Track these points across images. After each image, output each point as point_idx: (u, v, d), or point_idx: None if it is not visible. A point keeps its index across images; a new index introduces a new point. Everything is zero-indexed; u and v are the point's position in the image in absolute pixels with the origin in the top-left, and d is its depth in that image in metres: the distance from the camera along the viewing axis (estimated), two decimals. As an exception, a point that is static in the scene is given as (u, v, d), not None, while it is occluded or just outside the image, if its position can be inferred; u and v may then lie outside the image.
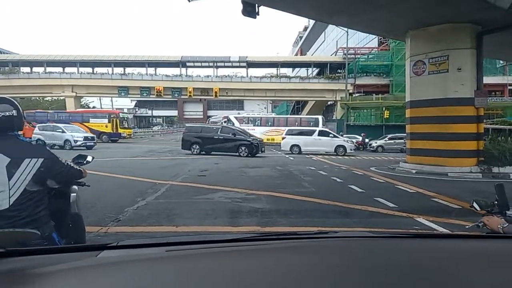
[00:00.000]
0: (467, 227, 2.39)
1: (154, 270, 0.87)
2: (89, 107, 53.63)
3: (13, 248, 1.05)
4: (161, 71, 42.58)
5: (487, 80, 29.02)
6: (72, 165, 2.48)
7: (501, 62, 27.28)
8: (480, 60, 13.03)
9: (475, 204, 2.06)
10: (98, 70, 42.33)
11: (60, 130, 22.57)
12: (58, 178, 2.35)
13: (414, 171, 13.05)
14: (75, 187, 2.75)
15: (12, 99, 2.24)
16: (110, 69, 41.80)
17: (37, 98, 52.71)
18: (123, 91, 41.08)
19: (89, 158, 2.87)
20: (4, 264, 0.94)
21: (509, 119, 26.24)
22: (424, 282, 0.88)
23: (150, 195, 7.78)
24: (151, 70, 42.26)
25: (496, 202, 1.97)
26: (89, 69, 42.44)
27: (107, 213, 5.95)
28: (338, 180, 11.02)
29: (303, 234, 1.33)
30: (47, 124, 25.46)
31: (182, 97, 44.16)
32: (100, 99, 55.37)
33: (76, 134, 22.66)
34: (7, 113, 2.11)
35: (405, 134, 15.94)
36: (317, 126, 31.59)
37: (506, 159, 12.51)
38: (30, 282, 0.86)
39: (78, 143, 21.71)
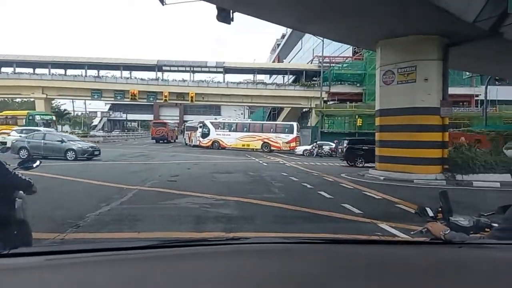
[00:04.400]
0: (412, 233, 2.45)
1: (30, 280, 0.84)
2: (60, 110, 52.18)
3: None
4: (136, 74, 42.04)
5: (454, 90, 30.26)
6: (19, 174, 2.42)
7: (467, 73, 28.40)
8: (446, 71, 13.51)
9: (420, 210, 2.11)
10: (71, 72, 41.28)
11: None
12: (1, 185, 2.28)
13: (382, 178, 13.35)
14: (21, 192, 2.66)
15: None
16: (83, 71, 40.84)
17: (6, 99, 50.87)
18: (97, 94, 40.16)
19: (37, 163, 2.79)
20: None
21: (475, 128, 27.29)
22: None
23: (115, 200, 7.60)
24: (126, 73, 41.61)
25: (440, 209, 2.02)
26: (61, 71, 41.33)
27: (67, 219, 5.77)
28: (308, 186, 11.12)
29: (212, 240, 1.31)
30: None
31: (158, 101, 43.60)
32: (72, 102, 53.99)
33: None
34: None
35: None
36: (292, 132, 31.93)
37: (469, 167, 12.98)
38: None
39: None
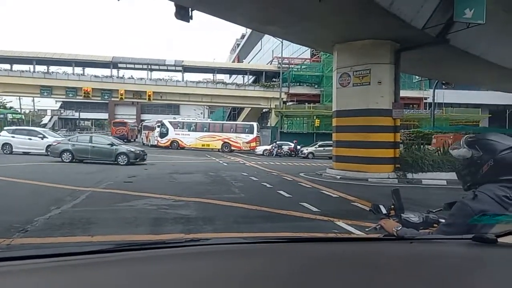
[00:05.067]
0: (367, 229, 2.54)
1: None
2: (5, 107, 48.84)
3: None
4: (90, 71, 40.32)
5: (405, 93, 31.92)
6: None
7: (417, 77, 30.00)
8: (397, 74, 14.18)
9: (374, 208, 2.19)
10: (17, 67, 38.78)
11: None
12: None
13: (338, 177, 13.76)
14: None
15: None
16: (31, 66, 38.52)
17: None
18: (46, 90, 38.03)
19: None
20: None
21: (423, 129, 28.88)
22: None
23: (67, 203, 7.24)
24: (78, 70, 39.75)
25: (393, 206, 2.11)
26: (7, 66, 38.70)
27: (14, 223, 5.41)
28: (268, 185, 11.22)
29: (170, 242, 1.28)
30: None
31: (113, 99, 42.07)
32: (19, 99, 50.73)
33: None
34: None
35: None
36: (252, 132, 32.11)
37: (418, 166, 13.71)
38: None
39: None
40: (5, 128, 23.62)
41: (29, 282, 0.85)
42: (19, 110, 51.10)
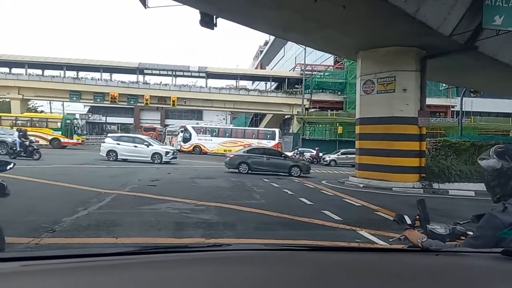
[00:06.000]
0: (391, 240, 2.49)
1: (6, 286, 0.82)
2: (37, 111, 50.80)
3: None
4: (117, 77, 41.46)
5: (432, 101, 31.17)
6: None
7: (444, 85, 29.25)
8: (423, 82, 13.90)
9: (398, 218, 2.16)
10: (49, 72, 40.30)
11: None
12: None
13: (361, 185, 13.55)
14: None
15: None
16: (61, 72, 39.98)
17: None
18: (75, 95, 39.36)
19: (10, 165, 2.71)
20: None
21: (450, 138, 28.04)
22: None
23: (93, 204, 7.43)
24: (106, 76, 40.95)
25: (418, 217, 2.07)
26: (39, 71, 40.32)
27: (42, 223, 5.60)
28: (289, 192, 11.18)
29: (192, 246, 1.30)
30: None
31: (139, 104, 43.12)
32: (50, 103, 52.60)
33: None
34: None
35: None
36: (274, 139, 32.11)
37: (445, 176, 13.34)
38: None
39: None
40: (109, 135, 24.75)
41: (56, 281, 0.88)
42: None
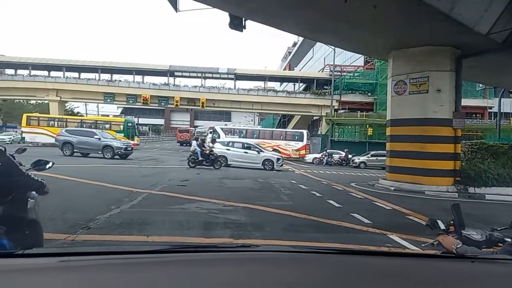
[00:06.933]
0: (423, 245, 2.42)
1: (43, 281, 0.86)
2: (73, 113, 52.95)
3: None
4: (149, 79, 42.50)
5: (468, 102, 29.97)
6: (32, 175, 2.48)
7: (481, 85, 28.08)
8: (459, 82, 13.39)
9: (431, 223, 2.10)
10: (84, 75, 42.00)
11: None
12: (14, 186, 2.34)
13: (392, 188, 13.21)
14: (33, 193, 2.71)
15: None
16: (96, 75, 41.51)
17: (21, 101, 51.87)
18: (109, 97, 40.74)
19: (49, 164, 2.84)
20: None
21: (487, 141, 26.86)
22: None
23: (125, 203, 7.66)
24: (138, 78, 42.09)
25: (452, 222, 2.01)
26: (75, 74, 42.03)
27: (78, 221, 5.83)
28: (317, 194, 11.07)
29: (221, 246, 1.32)
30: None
31: (169, 106, 44.08)
32: (85, 105, 54.73)
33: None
34: None
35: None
36: (302, 140, 31.89)
37: (482, 180, 12.78)
38: None
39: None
40: (218, 140, 24.46)
41: (91, 277, 0.92)
42: (85, 116, 55.17)
